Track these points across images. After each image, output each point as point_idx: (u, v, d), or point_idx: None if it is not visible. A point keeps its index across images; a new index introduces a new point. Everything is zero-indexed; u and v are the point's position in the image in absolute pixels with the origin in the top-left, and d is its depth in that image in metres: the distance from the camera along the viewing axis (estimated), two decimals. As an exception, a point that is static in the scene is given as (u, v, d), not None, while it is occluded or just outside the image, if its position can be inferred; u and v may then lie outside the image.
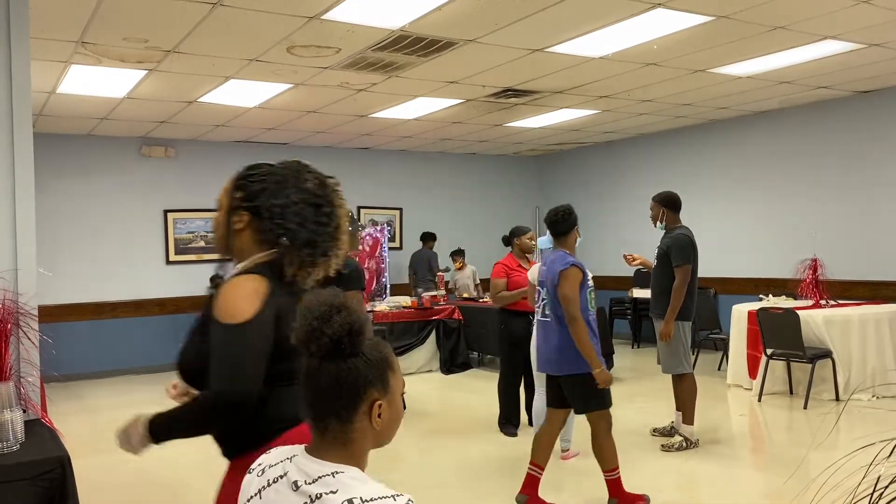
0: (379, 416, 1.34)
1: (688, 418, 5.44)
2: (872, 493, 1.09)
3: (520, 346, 5.85)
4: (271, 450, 1.44)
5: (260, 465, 1.42)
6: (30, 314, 3.31)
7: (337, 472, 1.28)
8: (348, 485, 1.25)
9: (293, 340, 1.35)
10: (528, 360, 5.87)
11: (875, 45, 6.16)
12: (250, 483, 1.40)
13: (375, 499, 1.21)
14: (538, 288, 4.42)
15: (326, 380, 1.31)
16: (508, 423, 6.02)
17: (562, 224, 4.30)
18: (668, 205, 5.67)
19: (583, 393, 4.06)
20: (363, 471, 1.33)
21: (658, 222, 5.73)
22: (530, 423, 5.85)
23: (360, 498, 1.21)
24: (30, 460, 2.74)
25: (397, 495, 1.23)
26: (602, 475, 4.18)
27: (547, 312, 4.25)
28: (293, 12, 4.88)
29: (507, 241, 6.23)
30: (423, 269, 10.47)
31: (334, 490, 1.24)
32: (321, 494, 1.24)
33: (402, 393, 1.43)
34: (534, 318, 5.87)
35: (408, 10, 4.95)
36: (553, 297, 4.13)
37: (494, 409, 6.13)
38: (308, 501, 1.25)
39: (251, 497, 1.38)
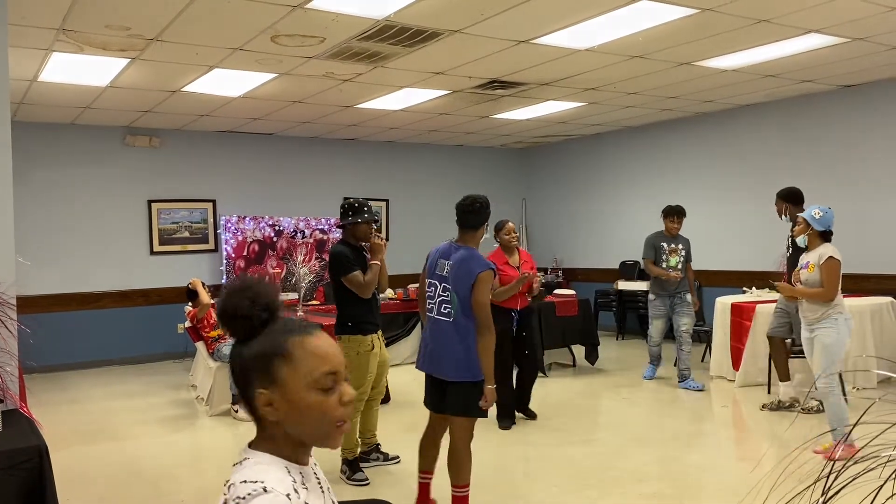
0: (270, 405, 1.30)
1: (787, 376, 6.28)
2: (828, 478, 1.11)
3: (504, 340, 5.73)
4: None
5: None
6: (7, 303, 3.27)
7: (245, 460, 1.30)
8: (241, 471, 1.28)
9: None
10: (516, 352, 5.83)
11: (859, 40, 6.19)
12: None
13: (246, 482, 1.24)
14: (434, 282, 3.91)
15: (233, 358, 1.37)
16: (503, 416, 5.91)
17: (478, 216, 3.93)
18: (788, 199, 6.33)
19: (467, 399, 3.75)
20: (286, 454, 1.33)
21: (782, 216, 6.36)
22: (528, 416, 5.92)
23: (238, 482, 1.25)
24: (6, 450, 2.72)
25: (259, 481, 1.23)
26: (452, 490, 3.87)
27: (446, 311, 3.81)
28: (277, 0, 4.85)
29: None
30: None
31: (233, 477, 1.29)
32: (228, 483, 1.29)
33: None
34: (516, 314, 5.86)
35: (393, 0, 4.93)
36: (462, 304, 3.75)
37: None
38: (225, 492, 1.28)
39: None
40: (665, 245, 7.24)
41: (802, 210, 6.22)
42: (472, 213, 3.92)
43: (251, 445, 1.34)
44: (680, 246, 7.26)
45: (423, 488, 4.08)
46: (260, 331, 1.34)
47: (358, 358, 4.60)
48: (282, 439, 1.33)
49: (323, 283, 9.80)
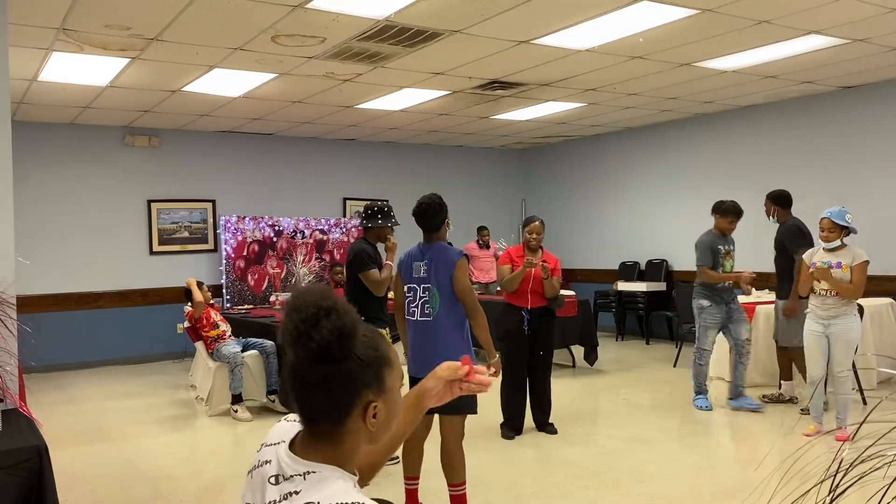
0: (374, 416, 1.27)
1: (789, 376, 6.48)
2: (834, 478, 1.11)
3: (512, 340, 5.59)
4: (285, 419, 1.39)
5: (269, 437, 1.37)
6: (7, 303, 3.27)
7: (308, 473, 1.22)
8: (313, 487, 1.20)
9: (280, 339, 1.26)
10: (531, 356, 5.64)
11: (859, 41, 6.19)
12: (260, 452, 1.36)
13: None
14: (413, 286, 3.95)
15: (316, 382, 1.23)
16: (506, 424, 5.64)
17: (435, 218, 3.94)
18: (777, 202, 6.32)
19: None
20: (350, 468, 1.27)
21: (770, 217, 6.40)
22: (541, 428, 5.74)
23: (319, 503, 1.16)
24: (6, 450, 2.71)
25: (359, 502, 1.16)
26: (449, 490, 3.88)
27: (427, 311, 3.85)
28: (277, 0, 4.84)
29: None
30: None
31: (298, 491, 1.20)
32: (289, 494, 1.21)
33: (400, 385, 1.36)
34: (526, 313, 5.60)
35: (393, 0, 4.93)
36: (444, 294, 3.81)
37: (487, 407, 6.02)
38: (278, 499, 1.22)
39: (251, 470, 1.35)
40: (721, 247, 6.27)
41: (790, 213, 6.26)
42: (429, 217, 3.96)
43: (301, 455, 1.26)
44: (731, 247, 6.39)
45: (411, 494, 4.05)
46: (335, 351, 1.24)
47: None
48: (354, 450, 1.28)
49: (322, 283, 9.80)
